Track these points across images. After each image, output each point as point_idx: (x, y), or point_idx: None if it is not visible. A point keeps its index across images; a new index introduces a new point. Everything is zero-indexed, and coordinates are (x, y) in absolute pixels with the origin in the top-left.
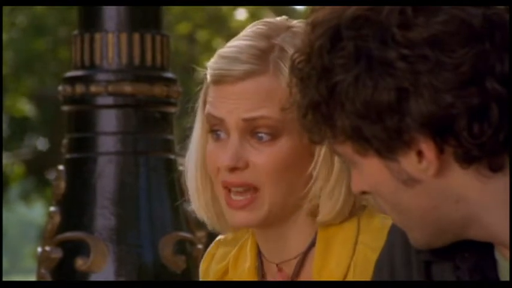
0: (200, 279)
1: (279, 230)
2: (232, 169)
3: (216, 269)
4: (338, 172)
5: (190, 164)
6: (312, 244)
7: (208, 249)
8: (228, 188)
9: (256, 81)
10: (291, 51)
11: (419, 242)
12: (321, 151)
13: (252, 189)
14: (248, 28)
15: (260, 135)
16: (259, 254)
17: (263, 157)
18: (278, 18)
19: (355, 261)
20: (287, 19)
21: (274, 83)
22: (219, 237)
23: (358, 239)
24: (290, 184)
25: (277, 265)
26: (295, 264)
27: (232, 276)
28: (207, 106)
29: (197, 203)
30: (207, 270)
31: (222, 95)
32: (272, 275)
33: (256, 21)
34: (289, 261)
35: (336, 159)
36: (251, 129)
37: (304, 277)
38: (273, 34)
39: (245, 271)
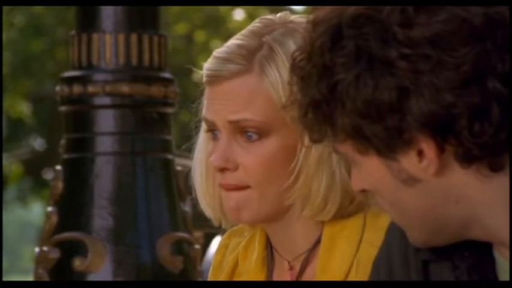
0: (211, 272)
1: (283, 228)
2: (222, 170)
3: (229, 259)
4: (314, 167)
5: (196, 164)
6: (319, 240)
7: (221, 240)
8: (224, 189)
9: (241, 81)
10: (278, 50)
11: (418, 241)
12: (302, 148)
13: (245, 187)
14: (248, 26)
15: (249, 134)
16: (268, 246)
17: (251, 157)
18: (279, 14)
19: (358, 258)
20: (287, 14)
21: (258, 83)
22: (232, 228)
23: (362, 237)
24: (280, 181)
25: (289, 263)
26: (302, 259)
27: (241, 267)
28: (203, 109)
29: (204, 202)
30: (221, 264)
31: (212, 96)
32: (281, 271)
33: (257, 19)
34: (299, 257)
35: (312, 154)
36: (239, 129)
37: (310, 273)
38: (265, 31)
39: (252, 263)
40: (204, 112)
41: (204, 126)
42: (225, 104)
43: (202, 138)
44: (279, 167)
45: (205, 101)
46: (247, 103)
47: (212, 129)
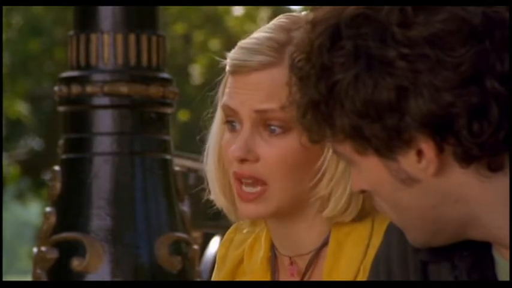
0: (216, 265)
1: (289, 225)
2: (242, 160)
3: (233, 255)
4: (343, 167)
5: (209, 154)
6: (326, 242)
7: (227, 234)
8: (239, 179)
9: (270, 72)
10: None
11: (417, 241)
12: (330, 149)
13: (261, 182)
14: (272, 21)
15: (272, 127)
16: (273, 246)
17: (273, 151)
18: (303, 12)
19: (365, 265)
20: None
21: (287, 76)
22: (237, 222)
23: (370, 242)
24: (299, 178)
25: (290, 258)
26: (307, 259)
27: (246, 266)
28: (224, 97)
29: (216, 192)
30: (224, 258)
31: (237, 86)
32: (284, 268)
33: (281, 15)
34: (301, 256)
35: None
36: (263, 121)
37: (315, 274)
38: (293, 27)
39: (258, 262)
40: (227, 100)
41: (218, 116)
42: (253, 94)
43: (216, 128)
44: (301, 163)
45: (227, 90)
46: (276, 94)
47: (231, 120)
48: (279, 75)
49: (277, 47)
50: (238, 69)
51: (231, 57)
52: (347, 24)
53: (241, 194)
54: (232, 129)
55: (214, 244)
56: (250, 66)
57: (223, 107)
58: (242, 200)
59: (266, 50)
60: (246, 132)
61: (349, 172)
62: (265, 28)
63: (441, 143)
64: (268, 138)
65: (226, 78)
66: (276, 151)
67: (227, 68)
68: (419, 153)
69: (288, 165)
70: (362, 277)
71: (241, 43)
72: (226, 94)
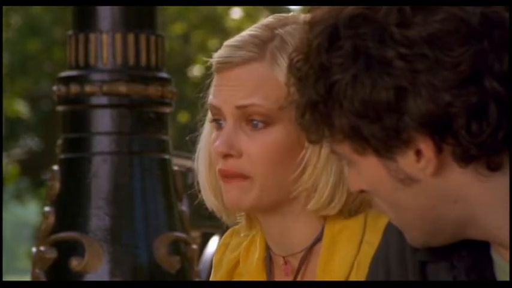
0: (212, 271)
1: (280, 222)
2: (226, 156)
3: (229, 258)
4: (324, 161)
5: (200, 155)
6: (318, 239)
7: (222, 239)
8: (225, 176)
9: (251, 67)
10: (290, 42)
11: (416, 241)
12: None
13: (244, 176)
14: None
15: (255, 122)
16: (268, 247)
17: (256, 145)
18: (293, 13)
19: (358, 260)
20: (300, 14)
21: (268, 71)
22: (234, 227)
23: (363, 238)
24: (282, 171)
25: (283, 258)
26: (300, 258)
27: (242, 267)
28: (209, 96)
29: (207, 193)
30: (220, 262)
31: (220, 83)
32: (279, 268)
33: (270, 16)
34: (295, 255)
35: (323, 148)
36: (246, 117)
37: (309, 272)
38: (278, 25)
39: (253, 263)
40: (211, 99)
41: (209, 116)
42: (234, 90)
43: (206, 129)
44: (284, 157)
45: (212, 89)
46: (257, 89)
47: (217, 118)
48: (260, 69)
49: (259, 43)
50: (222, 66)
51: (216, 55)
52: (345, 24)
53: (224, 170)
54: (219, 127)
55: (213, 244)
56: (232, 62)
57: (209, 106)
58: (224, 180)
59: (248, 46)
60: (229, 128)
61: (335, 164)
62: (251, 27)
63: (440, 143)
64: (250, 133)
65: (213, 78)
66: (258, 145)
67: (213, 67)
68: (418, 153)
69: (271, 158)
70: (356, 272)
71: (227, 42)
72: (211, 93)
